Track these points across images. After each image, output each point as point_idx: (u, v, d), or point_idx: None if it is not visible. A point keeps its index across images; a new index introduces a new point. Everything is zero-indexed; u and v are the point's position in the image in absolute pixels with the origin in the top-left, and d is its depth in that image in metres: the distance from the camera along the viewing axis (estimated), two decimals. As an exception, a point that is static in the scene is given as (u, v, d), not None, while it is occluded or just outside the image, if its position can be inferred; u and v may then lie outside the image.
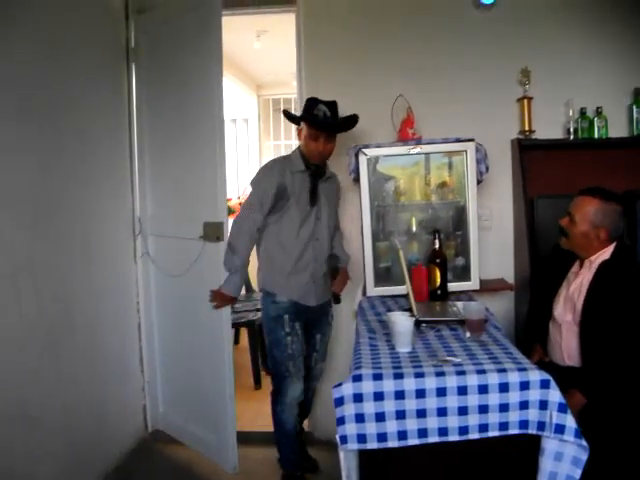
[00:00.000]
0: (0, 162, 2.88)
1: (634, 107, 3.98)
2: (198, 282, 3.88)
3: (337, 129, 3.53)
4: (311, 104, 3.48)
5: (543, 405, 2.30)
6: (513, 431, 2.33)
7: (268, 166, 3.55)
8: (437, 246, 3.57)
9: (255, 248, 3.60)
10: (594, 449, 2.31)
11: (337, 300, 3.74)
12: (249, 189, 3.59)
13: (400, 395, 2.31)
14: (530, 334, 3.37)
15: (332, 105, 3.47)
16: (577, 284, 3.07)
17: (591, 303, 2.94)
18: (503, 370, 2.33)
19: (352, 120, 3.54)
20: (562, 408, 2.28)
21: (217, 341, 3.83)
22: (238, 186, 7.96)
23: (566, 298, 3.10)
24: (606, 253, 3.04)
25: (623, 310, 2.84)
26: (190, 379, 4.18)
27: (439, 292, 3.56)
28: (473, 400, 2.30)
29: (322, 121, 3.44)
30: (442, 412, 2.32)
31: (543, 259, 3.53)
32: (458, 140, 3.73)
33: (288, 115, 3.69)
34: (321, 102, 3.46)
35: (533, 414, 2.32)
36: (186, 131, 3.98)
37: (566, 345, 3.06)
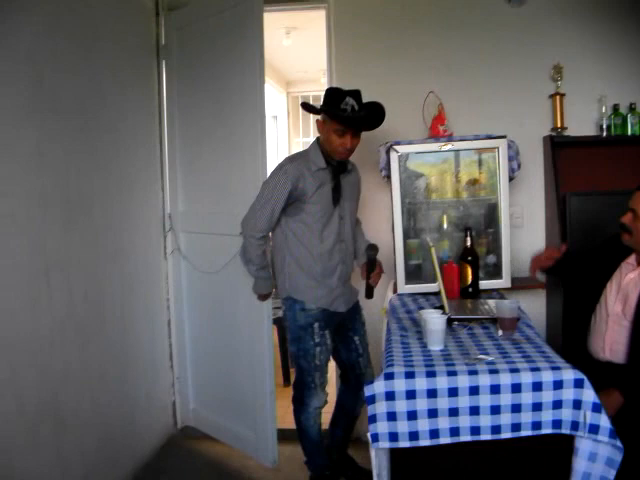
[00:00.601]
0: (32, 160, 2.89)
1: (668, 103, 3.94)
2: (237, 278, 3.90)
3: (367, 125, 3.33)
4: (337, 96, 3.23)
5: (577, 404, 2.28)
6: (546, 431, 2.31)
7: (283, 168, 3.27)
8: (468, 243, 3.55)
9: (274, 251, 3.50)
10: (629, 450, 2.28)
11: (370, 295, 3.51)
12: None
13: (432, 393, 2.29)
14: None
15: (357, 95, 3.25)
16: (634, 276, 2.97)
17: None
18: (536, 369, 2.31)
19: (380, 114, 3.31)
20: (596, 408, 2.26)
21: (257, 337, 3.84)
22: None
23: (618, 289, 3.02)
24: None
25: None
26: (225, 375, 4.22)
27: (470, 290, 3.54)
28: (506, 399, 2.29)
29: (351, 117, 3.20)
30: (474, 411, 2.30)
31: (592, 250, 3.43)
32: (490, 137, 3.70)
33: (308, 107, 3.44)
34: (347, 93, 3.23)
35: (567, 413, 2.29)
36: (223, 128, 4.01)
37: (610, 338, 2.99)
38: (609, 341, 3.00)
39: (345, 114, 3.20)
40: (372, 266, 3.45)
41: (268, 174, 3.45)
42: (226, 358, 4.19)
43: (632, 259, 3.05)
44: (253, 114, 3.76)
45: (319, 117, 3.36)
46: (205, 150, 4.17)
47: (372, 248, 3.42)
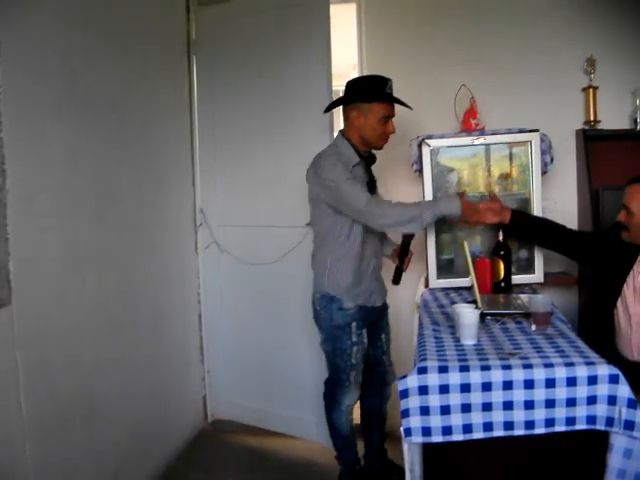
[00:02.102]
0: (65, 156, 2.93)
1: (703, 96, 3.89)
2: (284, 270, 4.01)
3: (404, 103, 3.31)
4: (380, 82, 3.23)
5: (612, 400, 2.26)
6: (580, 426, 2.30)
7: (332, 162, 3.18)
8: (501, 238, 3.53)
9: (315, 243, 3.43)
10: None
11: (398, 280, 3.45)
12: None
13: (466, 388, 2.29)
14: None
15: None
16: None
17: None
18: (571, 364, 2.30)
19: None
20: (632, 404, 2.24)
21: (309, 327, 3.74)
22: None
23: (634, 290, 3.00)
24: None
25: None
26: (274, 364, 4.30)
27: (503, 284, 3.52)
28: (540, 394, 2.28)
29: (398, 99, 3.26)
30: (508, 406, 2.30)
31: (603, 237, 3.43)
32: (522, 130, 3.67)
33: (341, 99, 3.38)
34: (387, 78, 3.25)
35: (601, 409, 2.28)
36: (275, 123, 4.13)
37: (637, 339, 2.98)
38: (636, 343, 2.98)
39: (390, 97, 3.23)
40: (405, 251, 3.42)
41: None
42: (275, 348, 4.28)
43: None
44: (317, 106, 3.77)
45: (349, 107, 3.31)
46: (249, 146, 4.26)
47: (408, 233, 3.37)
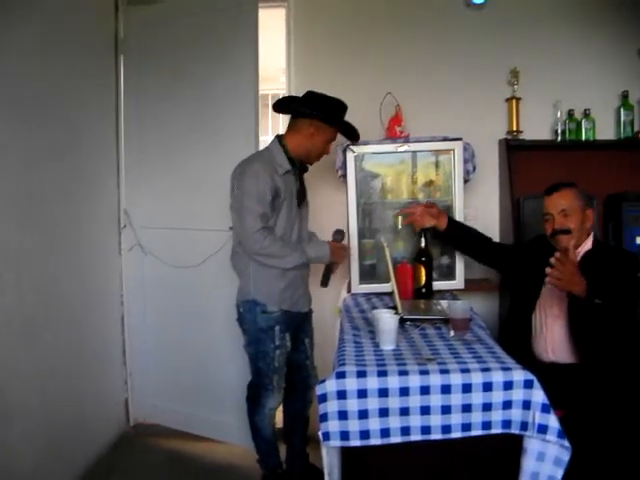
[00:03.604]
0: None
1: (622, 110, 4.02)
2: (208, 272, 4.00)
3: (356, 138, 3.53)
4: (340, 108, 3.34)
5: (526, 405, 2.30)
6: (496, 431, 2.33)
7: (253, 173, 3.15)
8: (423, 244, 3.57)
9: (234, 251, 3.41)
10: (577, 449, 2.31)
11: (326, 282, 3.43)
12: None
13: (384, 393, 2.30)
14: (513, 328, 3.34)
15: None
16: None
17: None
18: (487, 369, 2.33)
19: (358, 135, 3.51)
20: (545, 408, 2.28)
21: (232, 331, 3.68)
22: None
23: (552, 290, 3.06)
24: (588, 243, 3.13)
25: (614, 293, 2.86)
26: (198, 368, 4.26)
27: (424, 290, 3.56)
28: (457, 399, 2.30)
29: (355, 131, 3.43)
30: (425, 410, 2.31)
31: (522, 246, 3.55)
32: (446, 139, 3.73)
33: (302, 108, 3.32)
34: (346, 106, 3.37)
35: (516, 414, 2.31)
36: (201, 125, 4.09)
37: (551, 338, 3.07)
38: (551, 342, 3.08)
39: (347, 126, 3.39)
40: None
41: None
42: (199, 351, 4.23)
43: None
44: (244, 110, 3.84)
45: (307, 122, 3.30)
46: (175, 147, 4.20)
47: (339, 232, 3.41)
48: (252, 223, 3.13)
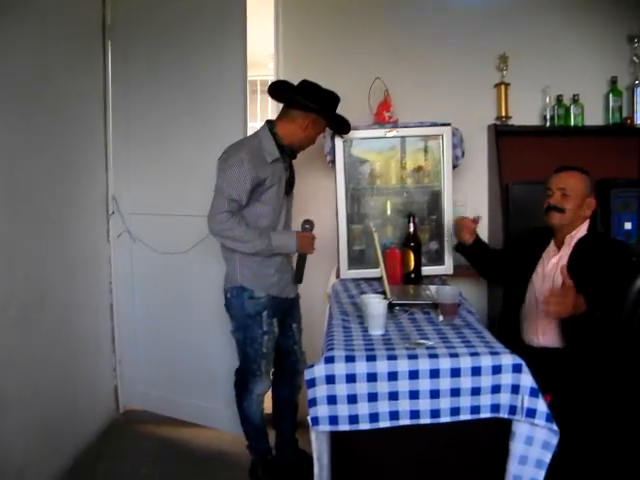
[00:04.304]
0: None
1: (610, 95, 4.02)
2: (197, 258, 3.99)
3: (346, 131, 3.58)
4: (333, 101, 3.33)
5: (515, 389, 2.31)
6: (484, 415, 2.33)
7: (238, 157, 3.14)
8: (411, 230, 3.57)
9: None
10: (564, 433, 2.32)
11: (300, 278, 3.42)
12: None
13: (372, 377, 2.30)
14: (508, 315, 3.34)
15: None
16: (555, 261, 3.11)
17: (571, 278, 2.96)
18: (476, 354, 2.33)
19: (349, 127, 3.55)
20: (534, 392, 2.29)
21: (221, 316, 3.66)
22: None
23: (544, 277, 3.12)
24: (583, 229, 3.13)
25: (605, 279, 2.88)
26: (189, 354, 4.27)
27: (413, 276, 3.56)
28: (445, 383, 2.30)
29: (347, 124, 3.47)
30: (414, 395, 2.31)
31: (514, 241, 3.56)
32: (434, 124, 3.73)
33: (299, 99, 3.28)
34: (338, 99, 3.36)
35: (505, 398, 2.32)
36: (189, 110, 4.07)
37: (542, 323, 3.08)
38: (542, 326, 3.08)
39: (338, 120, 3.41)
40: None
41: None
42: (188, 337, 4.23)
43: (551, 247, 3.21)
44: (233, 95, 3.85)
45: (303, 113, 3.28)
46: (164, 133, 4.18)
47: (308, 222, 3.35)
48: (220, 204, 3.13)
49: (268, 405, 3.66)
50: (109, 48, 4.26)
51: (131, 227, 4.33)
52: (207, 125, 3.97)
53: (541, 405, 2.28)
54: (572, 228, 3.12)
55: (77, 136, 3.89)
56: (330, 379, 2.31)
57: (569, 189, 3.08)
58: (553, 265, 3.11)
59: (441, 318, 2.78)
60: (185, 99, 4.06)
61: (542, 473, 2.33)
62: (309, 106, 3.25)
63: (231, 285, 3.34)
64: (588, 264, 2.94)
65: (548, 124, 4.02)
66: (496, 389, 2.32)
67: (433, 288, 3.25)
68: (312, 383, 2.32)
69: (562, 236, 3.15)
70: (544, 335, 3.07)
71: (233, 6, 3.82)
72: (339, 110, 3.39)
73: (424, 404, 2.32)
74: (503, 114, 4.03)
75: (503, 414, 2.33)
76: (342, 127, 3.51)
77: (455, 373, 2.30)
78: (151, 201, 4.29)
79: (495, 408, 2.33)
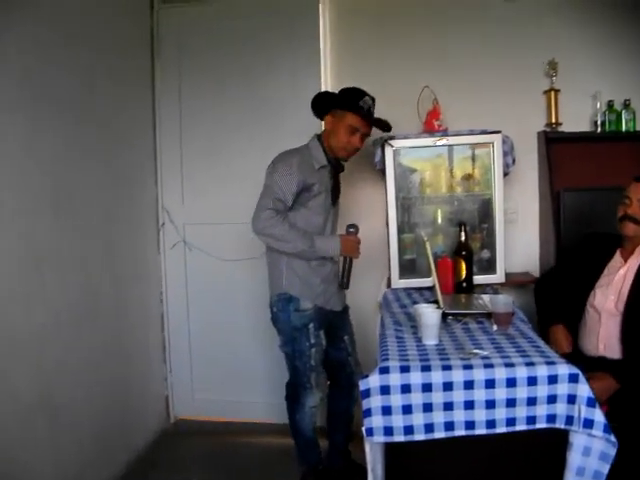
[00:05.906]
0: (20, 152, 2.88)
1: (662, 100, 3.95)
2: (256, 268, 3.98)
3: (379, 126, 3.34)
4: (356, 94, 3.25)
5: (571, 399, 2.28)
6: (540, 425, 2.31)
7: (288, 162, 3.18)
8: (463, 238, 3.55)
9: (267, 248, 3.36)
10: (623, 445, 2.28)
11: (346, 284, 3.30)
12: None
13: (427, 388, 2.30)
14: (555, 318, 3.26)
15: (373, 100, 3.29)
16: (623, 271, 3.05)
17: (638, 290, 2.92)
18: (531, 363, 2.31)
19: (388, 125, 3.37)
20: (591, 402, 2.26)
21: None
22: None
23: (609, 287, 3.06)
24: None
25: None
26: (234, 358, 4.42)
27: (464, 285, 3.54)
28: (501, 393, 2.29)
29: (367, 114, 3.25)
30: (469, 405, 2.30)
31: (572, 249, 3.50)
32: (484, 132, 3.71)
33: (321, 101, 3.35)
34: (366, 94, 3.26)
35: (561, 408, 2.29)
36: (248, 122, 4.23)
37: (605, 334, 3.03)
38: (604, 337, 3.03)
39: (364, 111, 3.21)
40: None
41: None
42: (239, 344, 4.39)
43: (617, 257, 3.14)
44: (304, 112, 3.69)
45: (329, 114, 3.31)
46: (219, 144, 4.30)
47: (352, 226, 3.28)
48: (265, 202, 3.15)
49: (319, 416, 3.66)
50: (158, 61, 4.35)
51: (186, 237, 4.40)
52: (272, 137, 4.05)
53: (598, 415, 2.26)
54: None
55: (126, 148, 3.96)
56: (385, 390, 2.31)
57: None
58: (621, 276, 3.05)
59: (495, 327, 2.76)
60: (247, 112, 4.20)
61: (600, 485, 2.30)
62: (326, 103, 3.31)
63: (276, 292, 3.33)
64: None
65: (599, 130, 3.95)
66: (552, 399, 2.29)
67: (486, 297, 3.24)
68: (367, 394, 2.32)
69: (633, 246, 3.08)
70: (605, 346, 3.03)
71: (305, 21, 4.00)
72: (387, 117, 3.37)
73: (479, 414, 2.31)
74: (553, 121, 3.98)
75: (559, 424, 2.30)
76: (378, 124, 3.35)
77: (511, 383, 2.28)
78: (205, 211, 4.37)
79: (551, 418, 2.31)
